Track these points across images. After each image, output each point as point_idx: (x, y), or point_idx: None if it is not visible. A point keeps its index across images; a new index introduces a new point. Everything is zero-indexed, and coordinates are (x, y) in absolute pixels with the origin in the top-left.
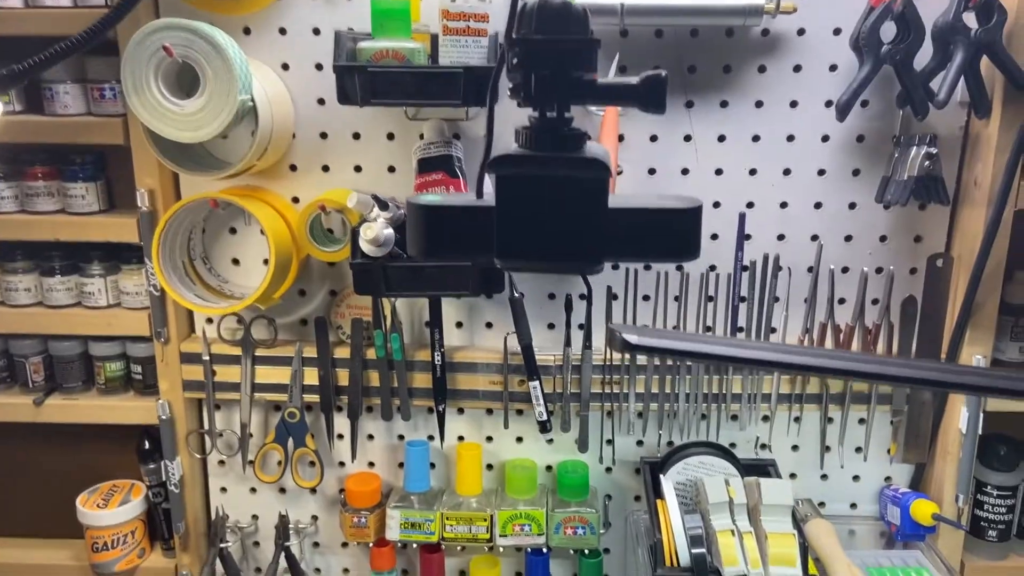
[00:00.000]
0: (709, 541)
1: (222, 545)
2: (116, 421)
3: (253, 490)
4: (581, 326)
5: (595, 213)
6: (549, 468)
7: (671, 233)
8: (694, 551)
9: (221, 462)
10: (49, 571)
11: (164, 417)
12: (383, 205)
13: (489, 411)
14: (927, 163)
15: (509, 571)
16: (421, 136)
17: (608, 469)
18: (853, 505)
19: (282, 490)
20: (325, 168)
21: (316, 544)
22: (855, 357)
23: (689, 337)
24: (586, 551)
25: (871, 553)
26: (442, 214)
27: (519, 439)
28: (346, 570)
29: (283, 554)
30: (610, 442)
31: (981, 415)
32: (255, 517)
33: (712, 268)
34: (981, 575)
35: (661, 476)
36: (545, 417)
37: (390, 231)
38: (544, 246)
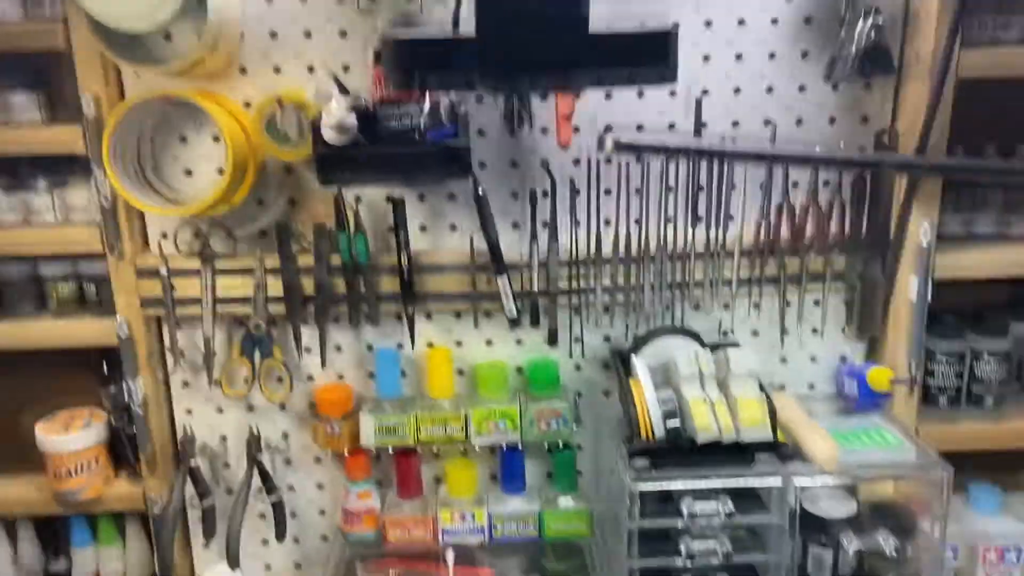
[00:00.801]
0: (682, 412)
1: (190, 464)
2: (72, 344)
3: (220, 410)
4: (545, 224)
5: (575, 27)
6: (520, 370)
7: (649, 51)
8: (669, 423)
9: (185, 383)
10: (13, 504)
11: (123, 336)
12: (343, 89)
13: (457, 315)
14: (873, 34)
15: (485, 473)
16: (376, 29)
17: (577, 367)
18: (811, 386)
19: (250, 408)
20: (276, 70)
21: (288, 461)
22: (811, 152)
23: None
24: (560, 445)
25: (831, 422)
26: (421, 46)
27: (488, 342)
28: (320, 485)
29: (255, 469)
30: (579, 339)
31: (930, 283)
32: (224, 439)
33: (671, 158)
34: (934, 439)
35: (633, 355)
36: (515, 313)
37: (352, 118)
38: (526, 64)
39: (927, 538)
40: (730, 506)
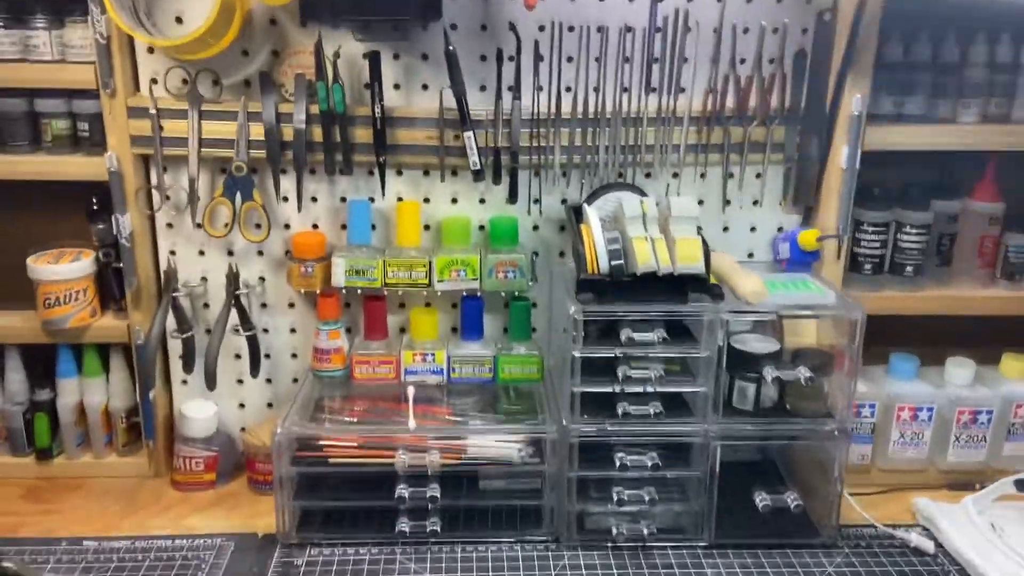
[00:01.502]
0: (625, 251)
1: (174, 294)
2: (64, 178)
3: (202, 252)
4: (510, 88)
5: None
6: (482, 228)
7: None
8: (613, 262)
9: (170, 225)
10: (1, 333)
11: (113, 170)
12: None
13: (426, 172)
14: None
15: (446, 324)
16: None
17: (535, 227)
18: (750, 255)
19: (230, 252)
20: None
21: (264, 305)
22: None
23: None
24: (516, 294)
25: (764, 275)
26: None
27: (454, 200)
28: (293, 329)
29: (233, 304)
30: (537, 200)
31: (859, 151)
32: (204, 279)
33: (629, 29)
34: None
35: (584, 205)
36: (479, 165)
37: None
38: None
39: (841, 378)
40: (664, 333)
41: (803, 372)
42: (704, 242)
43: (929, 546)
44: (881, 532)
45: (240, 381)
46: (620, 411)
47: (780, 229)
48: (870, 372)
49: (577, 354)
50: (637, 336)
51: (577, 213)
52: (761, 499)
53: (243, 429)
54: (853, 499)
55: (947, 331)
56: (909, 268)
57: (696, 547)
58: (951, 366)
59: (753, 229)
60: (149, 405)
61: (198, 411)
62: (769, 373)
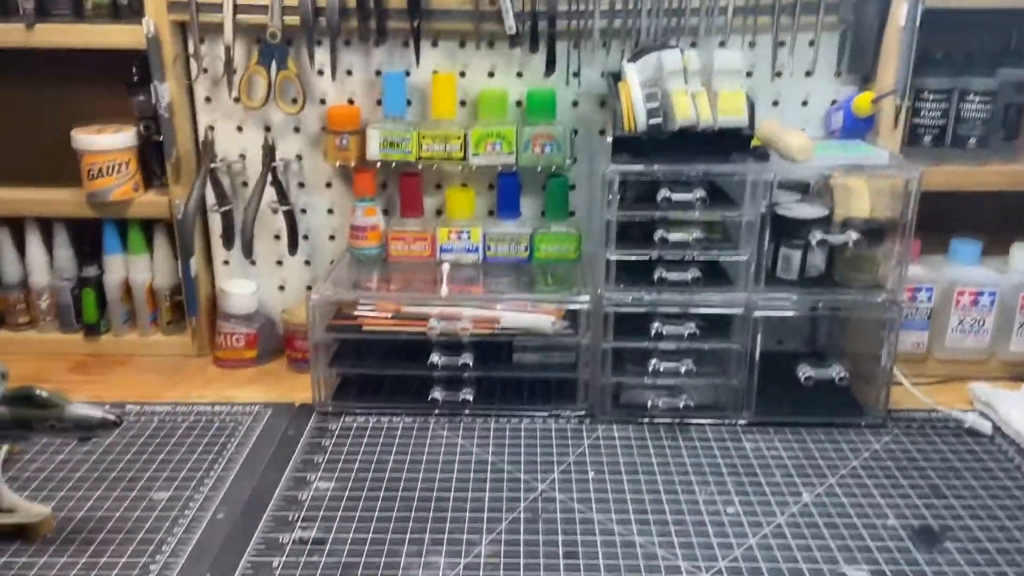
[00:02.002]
0: (664, 107)
1: (212, 166)
2: (105, 45)
3: (240, 128)
4: None
5: None
6: (519, 104)
7: None
8: (651, 121)
9: (207, 99)
10: (49, 207)
11: (150, 35)
12: None
13: (462, 44)
14: None
15: (483, 205)
16: None
17: (575, 103)
18: (802, 129)
19: (267, 127)
20: None
21: (301, 185)
22: None
23: None
24: (554, 170)
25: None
26: None
27: (491, 74)
28: (330, 210)
29: (269, 175)
30: (576, 73)
31: (919, 8)
32: (243, 156)
33: None
34: None
35: (624, 63)
36: (515, 30)
37: None
38: None
39: (894, 248)
40: (703, 193)
41: (853, 235)
42: (749, 98)
43: (987, 427)
44: (934, 415)
45: (279, 262)
46: (657, 276)
47: (834, 102)
48: (929, 260)
49: (612, 218)
50: (675, 196)
51: (616, 79)
52: (804, 373)
53: (283, 311)
54: (905, 380)
55: (1012, 212)
56: (972, 140)
57: (735, 424)
58: (1017, 250)
59: (805, 103)
60: (190, 276)
61: (239, 288)
62: (816, 237)
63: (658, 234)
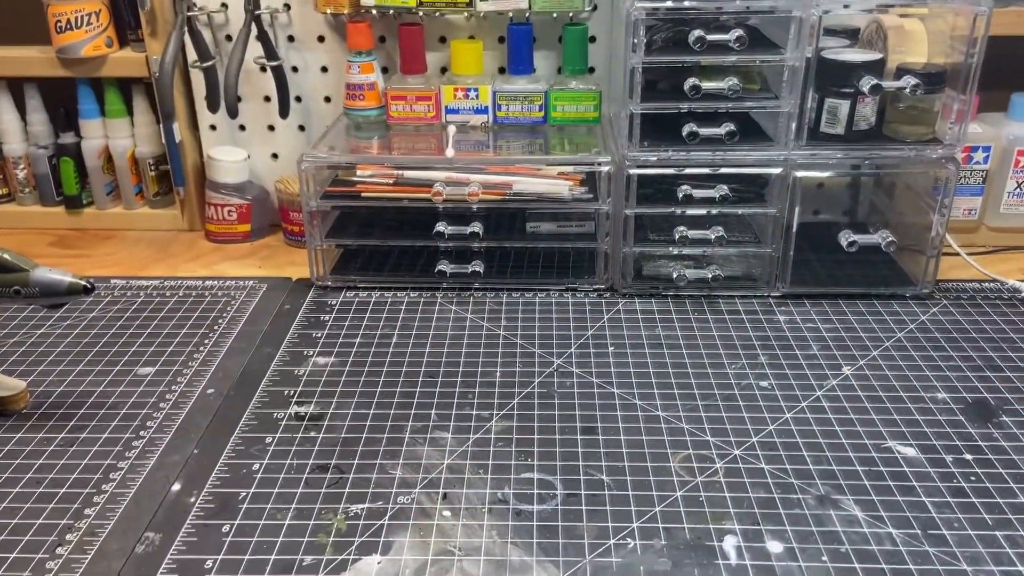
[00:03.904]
0: None
1: (189, 13)
2: None
3: None
4: None
5: None
6: None
7: None
8: None
9: None
10: (15, 65)
11: None
12: None
13: None
14: None
15: (492, 62)
16: None
17: None
18: None
19: None
20: None
21: (291, 39)
22: None
23: None
24: (571, 17)
25: None
26: None
27: None
28: (324, 68)
29: (254, 32)
30: None
31: None
32: (224, 5)
33: None
34: None
35: None
36: None
37: None
38: None
39: (954, 98)
40: (741, 33)
41: (910, 80)
42: None
43: None
44: (987, 286)
45: (271, 127)
46: (686, 132)
47: None
48: (987, 117)
49: (638, 64)
50: (710, 37)
51: None
52: (848, 239)
53: (277, 181)
54: (957, 246)
55: None
56: None
57: (768, 296)
58: None
59: None
60: (174, 142)
61: (227, 154)
62: (867, 82)
63: (689, 82)
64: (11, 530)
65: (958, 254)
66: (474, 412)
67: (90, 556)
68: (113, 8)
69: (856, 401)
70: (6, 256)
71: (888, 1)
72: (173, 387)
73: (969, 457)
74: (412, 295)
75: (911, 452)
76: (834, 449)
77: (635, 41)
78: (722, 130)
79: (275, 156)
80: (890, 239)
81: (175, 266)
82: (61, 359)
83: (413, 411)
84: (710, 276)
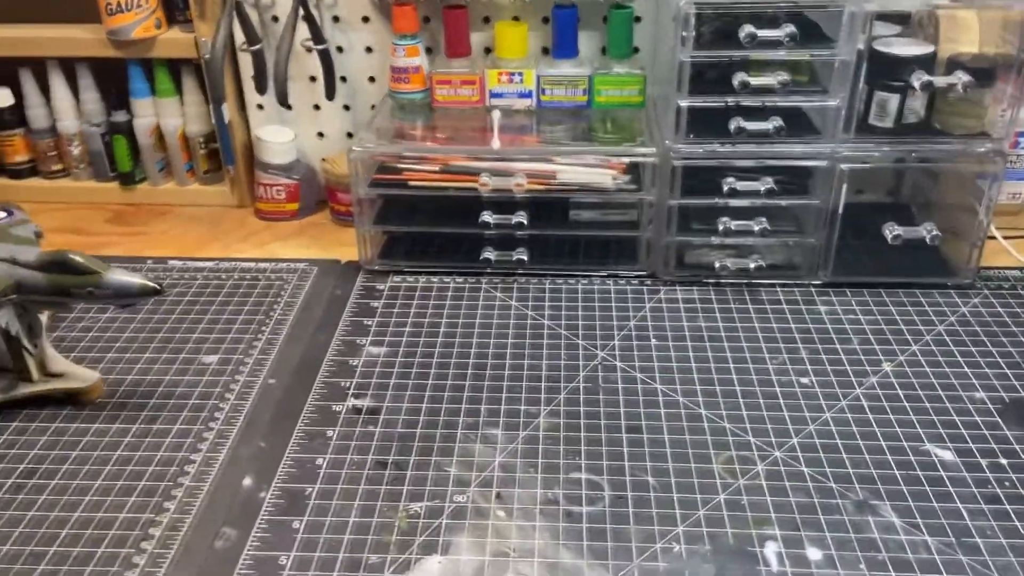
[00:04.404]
0: None
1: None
2: None
3: None
4: None
5: None
6: None
7: None
8: None
9: None
10: (68, 45)
11: None
12: None
13: None
14: None
15: (536, 44)
16: None
17: None
18: None
19: None
20: None
21: (336, 19)
22: None
23: None
24: (617, 1)
25: None
26: None
27: None
28: (369, 48)
29: (302, 15)
30: None
31: None
32: None
33: None
34: None
35: None
36: None
37: None
38: None
39: (1006, 90)
40: (793, 29)
41: (961, 76)
42: None
43: None
44: None
45: (317, 107)
46: (733, 127)
47: None
48: None
49: (687, 58)
50: (761, 33)
51: None
52: (892, 231)
53: (323, 159)
54: (1000, 236)
55: None
56: None
57: (809, 285)
58: None
59: None
60: (223, 123)
61: (275, 135)
62: (918, 78)
63: (738, 77)
64: (96, 524)
65: (998, 240)
66: (522, 407)
67: (172, 551)
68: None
69: (895, 400)
70: (79, 259)
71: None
72: (236, 376)
73: (1004, 462)
74: (457, 280)
75: (948, 456)
76: (872, 451)
77: (684, 35)
78: (770, 125)
79: (321, 135)
80: (935, 232)
81: (228, 245)
82: (128, 345)
83: (464, 405)
84: (752, 267)
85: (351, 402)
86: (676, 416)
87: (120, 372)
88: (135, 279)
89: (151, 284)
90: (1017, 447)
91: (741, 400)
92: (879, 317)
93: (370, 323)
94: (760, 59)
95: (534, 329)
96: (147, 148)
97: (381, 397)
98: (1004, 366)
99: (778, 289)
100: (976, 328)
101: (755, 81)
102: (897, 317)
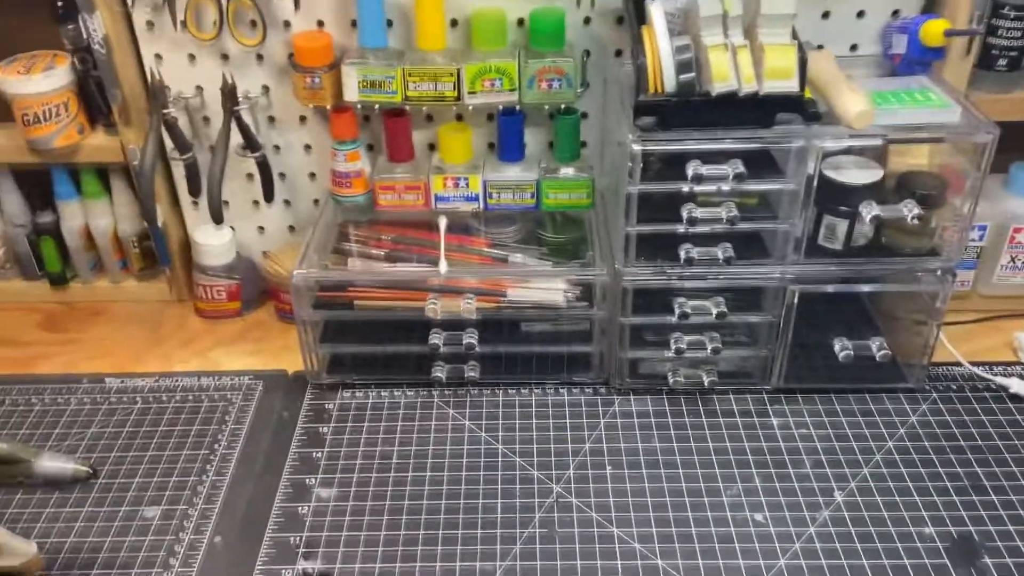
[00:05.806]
0: (698, 63)
1: (164, 112)
2: None
3: (192, 57)
4: None
5: None
6: (521, 23)
7: None
8: (682, 77)
9: (150, 23)
10: None
11: None
12: None
13: None
14: None
15: (481, 141)
16: None
17: (586, 21)
18: (854, 47)
19: (224, 56)
20: None
21: (272, 120)
22: None
23: None
24: (562, 108)
25: (871, 83)
26: None
27: None
28: (308, 147)
29: (233, 121)
30: None
31: None
32: (199, 89)
33: None
34: (986, 106)
35: (647, 1)
36: None
37: None
38: None
39: (954, 210)
40: (741, 167)
41: (911, 208)
42: (801, 48)
43: None
44: (976, 374)
45: (256, 202)
46: (683, 256)
47: (896, 14)
48: (986, 187)
49: (633, 190)
50: (707, 170)
51: (639, 8)
52: (842, 346)
53: (265, 253)
54: (945, 334)
55: None
56: None
57: (761, 390)
58: None
59: (861, 14)
60: (159, 233)
61: (212, 237)
62: (867, 211)
63: (686, 210)
64: None
65: (948, 346)
66: (478, 563)
67: None
68: (81, 92)
69: (847, 540)
70: (3, 446)
71: (894, 137)
72: (180, 535)
73: None
74: (408, 393)
75: None
76: None
77: (631, 168)
78: (720, 253)
79: (262, 229)
80: (884, 351)
81: (169, 354)
82: (65, 498)
83: (418, 564)
84: (706, 381)
85: (301, 564)
86: (632, 569)
87: (58, 534)
88: (68, 466)
89: (83, 469)
90: None
91: (697, 546)
92: (831, 431)
93: (319, 456)
94: (708, 191)
95: (488, 457)
96: (77, 250)
97: (332, 556)
98: (952, 491)
99: (731, 396)
100: (925, 444)
101: (703, 214)
102: (848, 432)
